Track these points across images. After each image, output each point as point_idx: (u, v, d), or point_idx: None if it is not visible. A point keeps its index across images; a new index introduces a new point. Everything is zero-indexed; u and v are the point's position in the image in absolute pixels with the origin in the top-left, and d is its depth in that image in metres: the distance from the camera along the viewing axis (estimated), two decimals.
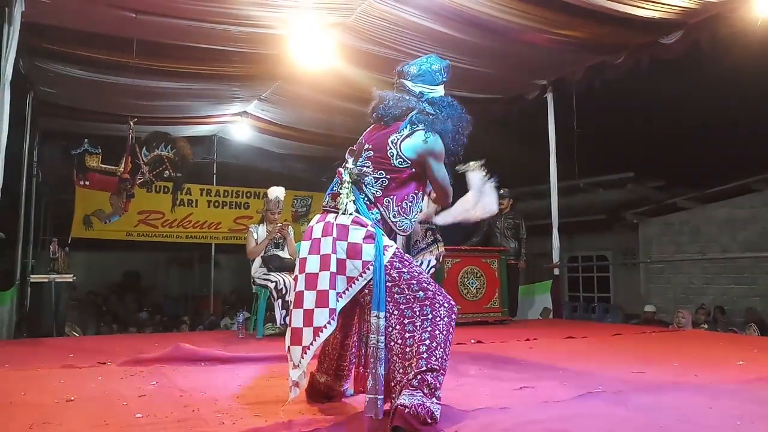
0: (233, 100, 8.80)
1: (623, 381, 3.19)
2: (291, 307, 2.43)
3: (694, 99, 9.67)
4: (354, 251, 2.35)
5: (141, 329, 10.00)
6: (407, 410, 2.09)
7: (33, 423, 2.32)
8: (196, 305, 13.25)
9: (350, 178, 2.46)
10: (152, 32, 6.09)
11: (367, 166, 2.47)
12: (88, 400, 2.77)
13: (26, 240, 8.61)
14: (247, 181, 11.25)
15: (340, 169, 2.50)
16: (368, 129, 2.66)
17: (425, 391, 2.14)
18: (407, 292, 2.30)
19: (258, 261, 5.62)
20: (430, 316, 2.26)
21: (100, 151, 8.82)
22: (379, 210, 2.46)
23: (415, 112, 2.52)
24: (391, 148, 2.46)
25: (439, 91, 2.65)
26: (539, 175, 8.32)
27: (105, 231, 10.13)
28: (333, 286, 2.33)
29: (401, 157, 2.45)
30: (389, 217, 2.47)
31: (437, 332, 2.24)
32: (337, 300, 2.34)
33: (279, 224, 5.67)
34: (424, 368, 2.17)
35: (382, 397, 2.24)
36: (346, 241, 2.36)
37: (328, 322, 2.31)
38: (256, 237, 5.62)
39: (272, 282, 5.30)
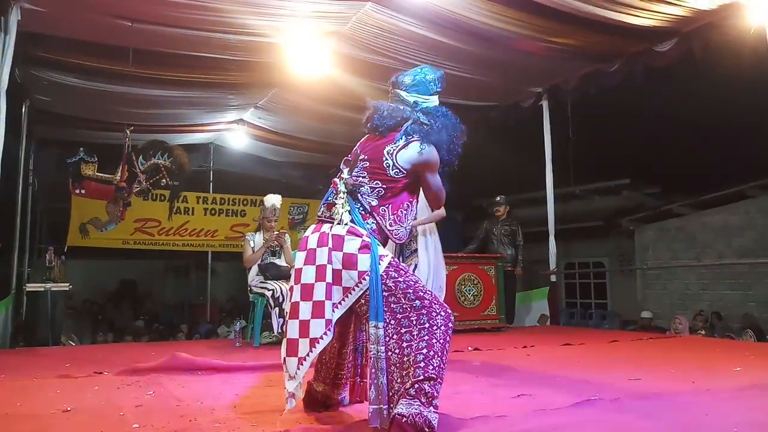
0: (229, 108, 8.81)
1: (620, 388, 3.19)
2: (287, 318, 2.42)
3: (688, 106, 9.72)
4: (350, 261, 2.35)
5: (137, 338, 9.96)
6: (405, 419, 2.09)
7: None
8: (192, 313, 13.21)
9: (345, 188, 2.47)
10: (148, 41, 6.09)
11: (363, 177, 2.48)
12: (85, 411, 2.75)
13: (22, 249, 8.58)
14: (243, 189, 11.25)
15: (336, 180, 2.51)
16: (363, 139, 2.66)
17: (423, 400, 2.14)
18: (404, 302, 2.31)
19: (255, 269, 5.61)
20: (426, 325, 2.26)
21: (96, 159, 8.82)
22: (374, 219, 2.47)
23: (409, 122, 2.53)
24: (387, 159, 2.47)
25: (434, 101, 2.66)
26: (535, 182, 8.35)
27: (101, 239, 10.12)
28: (329, 296, 2.33)
29: (397, 168, 2.46)
30: (386, 226, 2.48)
31: (434, 341, 2.24)
32: (333, 310, 2.34)
33: (276, 232, 5.67)
34: (422, 377, 2.16)
35: (387, 406, 2.23)
36: (342, 251, 2.37)
37: (325, 333, 2.31)
38: (252, 245, 5.62)
39: (269, 290, 5.29)
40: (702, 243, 10.79)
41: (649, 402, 2.85)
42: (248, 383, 3.45)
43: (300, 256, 2.45)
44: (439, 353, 2.23)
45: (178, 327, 10.96)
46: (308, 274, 2.38)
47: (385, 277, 2.33)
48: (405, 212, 2.54)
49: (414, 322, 2.27)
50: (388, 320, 2.29)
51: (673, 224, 11.37)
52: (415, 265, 4.52)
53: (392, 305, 2.31)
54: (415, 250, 4.56)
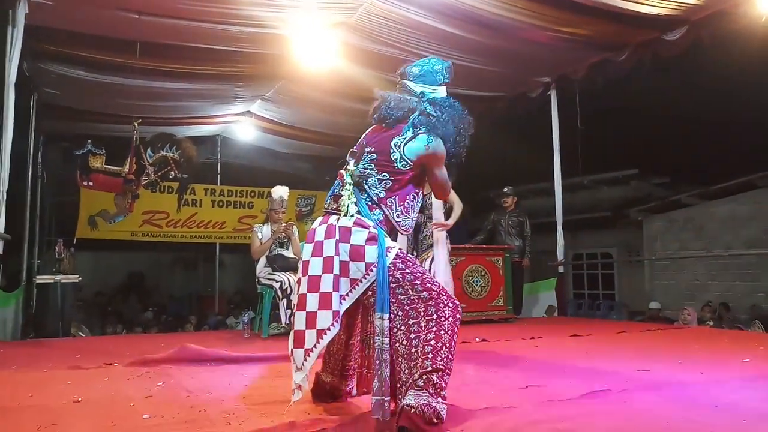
0: (237, 100, 8.81)
1: (629, 379, 3.19)
2: (294, 310, 2.43)
3: (697, 95, 9.65)
4: (357, 253, 2.35)
5: (146, 329, 10.02)
6: (413, 410, 2.10)
7: (41, 425, 2.33)
8: (200, 305, 13.27)
9: (352, 180, 2.47)
10: (155, 33, 6.09)
11: (371, 168, 2.47)
12: (95, 402, 2.78)
13: (32, 241, 8.63)
14: (251, 181, 11.26)
15: (342, 172, 2.50)
16: (369, 130, 2.66)
17: (431, 391, 2.14)
18: (411, 293, 2.30)
19: (263, 261, 5.63)
20: (434, 317, 2.26)
21: (104, 151, 8.84)
22: (381, 211, 2.47)
23: (416, 113, 2.52)
24: (394, 152, 2.46)
25: (441, 91, 2.65)
26: (543, 172, 8.32)
27: (110, 231, 10.18)
28: (336, 288, 2.33)
29: (404, 160, 2.46)
30: (393, 217, 2.48)
31: (442, 332, 2.24)
32: (341, 302, 2.34)
33: (283, 224, 5.68)
34: (430, 368, 2.17)
35: (389, 398, 2.24)
36: (349, 243, 2.37)
37: (332, 325, 2.31)
38: (260, 237, 5.63)
39: (277, 282, 5.31)
40: (710, 233, 10.73)
41: (658, 393, 2.85)
42: (257, 374, 3.47)
43: (307, 249, 2.45)
44: (447, 344, 2.23)
45: (187, 319, 11.02)
46: (315, 266, 2.38)
47: (393, 268, 2.33)
48: (411, 203, 2.54)
49: (422, 314, 2.27)
50: (395, 312, 2.29)
51: (681, 215, 11.32)
52: (432, 259, 4.57)
53: (400, 296, 2.31)
54: (431, 245, 4.62)
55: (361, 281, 2.35)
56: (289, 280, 5.24)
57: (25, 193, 8.11)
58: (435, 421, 2.11)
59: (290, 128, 9.86)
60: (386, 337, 2.27)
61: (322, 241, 2.40)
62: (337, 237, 2.38)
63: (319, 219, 2.53)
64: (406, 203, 2.52)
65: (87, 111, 8.75)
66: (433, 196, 4.38)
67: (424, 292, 2.30)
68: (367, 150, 2.51)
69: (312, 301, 2.34)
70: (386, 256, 2.34)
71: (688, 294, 10.71)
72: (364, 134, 2.65)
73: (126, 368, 3.68)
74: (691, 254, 10.83)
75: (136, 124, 7.71)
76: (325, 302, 2.32)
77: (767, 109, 9.07)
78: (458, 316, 2.32)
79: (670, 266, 11.47)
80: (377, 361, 2.29)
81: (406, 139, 2.47)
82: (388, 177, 2.46)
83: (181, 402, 2.74)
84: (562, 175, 7.82)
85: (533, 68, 7.35)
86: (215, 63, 6.93)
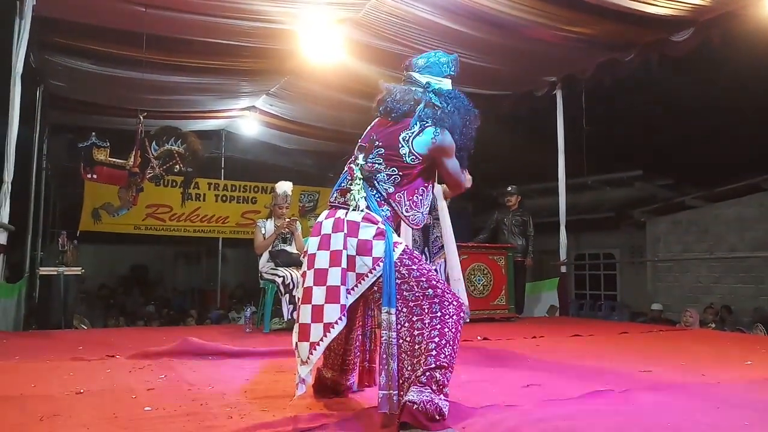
0: (242, 95, 8.82)
1: (630, 379, 3.18)
2: (299, 303, 2.42)
3: (703, 97, 9.60)
4: (364, 248, 2.34)
5: (148, 323, 10.06)
6: (416, 406, 2.09)
7: (43, 415, 2.34)
8: (203, 299, 13.31)
9: (362, 174, 2.46)
10: (162, 26, 6.10)
11: (380, 163, 2.46)
12: (97, 393, 2.78)
13: (35, 232, 8.67)
14: (254, 176, 11.29)
15: (352, 166, 2.49)
16: (374, 123, 2.64)
17: (434, 387, 2.14)
18: (416, 290, 2.30)
19: (266, 256, 5.63)
20: (439, 314, 2.26)
21: (108, 144, 8.84)
22: (390, 206, 2.46)
23: (422, 105, 2.51)
24: (402, 146, 2.45)
25: (447, 84, 2.63)
26: (547, 172, 8.30)
27: (113, 224, 10.21)
28: (344, 282, 2.32)
29: (413, 155, 2.45)
30: (402, 212, 2.47)
31: (446, 330, 2.23)
32: (347, 296, 2.34)
33: (287, 219, 5.68)
34: (433, 365, 2.16)
35: (397, 392, 2.24)
36: (357, 237, 2.36)
37: (339, 318, 2.30)
38: (263, 232, 5.64)
39: (280, 277, 5.32)
40: (714, 235, 10.70)
41: (660, 394, 2.84)
42: (258, 368, 3.47)
43: (313, 242, 2.44)
44: (451, 342, 2.23)
45: (189, 312, 11.06)
46: (322, 260, 2.37)
47: (399, 264, 2.33)
48: (421, 198, 2.53)
49: (426, 311, 2.27)
50: (400, 308, 2.29)
51: (685, 216, 11.29)
52: (444, 261, 4.55)
53: (405, 293, 2.30)
54: (442, 246, 4.61)
55: (367, 276, 2.34)
56: (291, 276, 5.25)
57: (30, 184, 8.13)
58: (437, 417, 2.10)
59: (294, 124, 9.88)
60: (393, 331, 2.27)
61: (330, 234, 2.39)
62: (345, 231, 2.37)
63: (325, 212, 2.52)
64: (415, 197, 2.51)
65: (93, 103, 8.78)
66: (438, 198, 4.39)
67: (429, 290, 2.30)
68: (376, 145, 2.50)
69: (318, 294, 2.33)
70: (393, 251, 2.33)
71: (690, 296, 10.69)
72: (369, 127, 2.64)
73: (128, 360, 3.69)
74: (694, 256, 10.81)
75: (141, 117, 7.71)
76: (332, 296, 2.31)
77: None
78: (462, 314, 2.31)
79: (673, 268, 11.45)
80: (384, 356, 2.28)
81: (414, 133, 2.46)
82: (396, 172, 2.45)
83: (182, 395, 2.74)
84: (566, 175, 7.81)
85: (539, 67, 7.33)
86: (221, 57, 6.94)
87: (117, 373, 3.31)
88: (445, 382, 2.18)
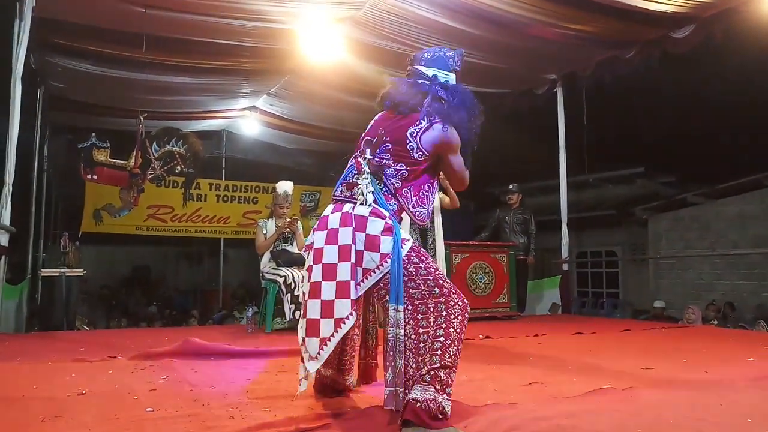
0: (242, 95, 8.81)
1: (633, 377, 3.18)
2: (306, 298, 2.39)
3: (705, 94, 9.60)
4: (372, 243, 2.33)
5: (150, 323, 10.06)
6: (419, 404, 2.09)
7: (45, 416, 2.34)
8: (205, 299, 13.31)
9: (370, 168, 2.45)
10: (161, 27, 6.09)
11: (387, 158, 2.44)
12: (99, 394, 2.78)
13: (37, 234, 8.67)
14: (255, 176, 11.28)
15: (360, 160, 2.48)
16: (378, 116, 2.61)
17: (437, 386, 2.14)
18: (423, 288, 2.29)
19: (267, 256, 5.63)
20: (444, 313, 2.25)
21: (108, 145, 8.85)
22: (397, 201, 2.45)
23: (428, 98, 2.49)
24: (410, 142, 2.43)
25: (452, 78, 2.62)
26: (548, 170, 8.29)
27: (115, 225, 10.22)
28: (354, 276, 2.30)
29: (421, 150, 2.43)
30: (408, 208, 2.46)
31: (451, 329, 2.23)
32: (356, 291, 2.33)
33: (288, 219, 5.68)
34: (438, 364, 2.16)
35: (403, 389, 2.23)
36: (365, 232, 2.34)
37: (350, 314, 2.28)
38: (265, 232, 5.64)
39: (281, 277, 5.31)
40: (716, 232, 10.69)
41: (662, 391, 2.84)
42: (260, 369, 3.47)
43: (320, 236, 2.41)
44: (456, 342, 2.23)
45: (190, 313, 11.06)
46: (330, 254, 2.35)
47: (407, 261, 2.31)
48: (426, 193, 2.52)
49: (431, 309, 2.26)
50: (405, 305, 2.27)
51: (687, 213, 11.28)
52: (434, 253, 4.61)
53: (411, 291, 2.29)
54: (434, 240, 4.65)
55: (374, 272, 2.32)
56: (293, 275, 5.25)
57: (31, 186, 8.14)
58: (439, 416, 2.10)
59: (295, 123, 9.87)
60: (401, 328, 2.26)
61: (337, 228, 2.37)
62: (354, 225, 2.35)
63: (331, 206, 2.50)
64: (421, 193, 2.50)
65: (93, 104, 8.77)
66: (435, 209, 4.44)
67: (436, 288, 2.29)
68: (384, 140, 2.49)
69: (328, 290, 2.31)
70: (401, 247, 2.32)
71: (692, 293, 10.68)
72: (373, 120, 2.61)
73: (130, 361, 3.69)
74: (696, 253, 10.79)
75: (141, 118, 7.71)
76: (342, 291, 2.29)
77: None
78: (467, 315, 2.31)
79: (675, 265, 11.44)
80: (391, 353, 2.27)
81: (422, 128, 2.44)
82: (404, 167, 2.44)
83: (184, 395, 2.74)
84: (567, 173, 7.80)
85: (540, 65, 7.32)
86: (221, 57, 6.93)
87: (119, 374, 3.31)
88: (449, 381, 2.18)
